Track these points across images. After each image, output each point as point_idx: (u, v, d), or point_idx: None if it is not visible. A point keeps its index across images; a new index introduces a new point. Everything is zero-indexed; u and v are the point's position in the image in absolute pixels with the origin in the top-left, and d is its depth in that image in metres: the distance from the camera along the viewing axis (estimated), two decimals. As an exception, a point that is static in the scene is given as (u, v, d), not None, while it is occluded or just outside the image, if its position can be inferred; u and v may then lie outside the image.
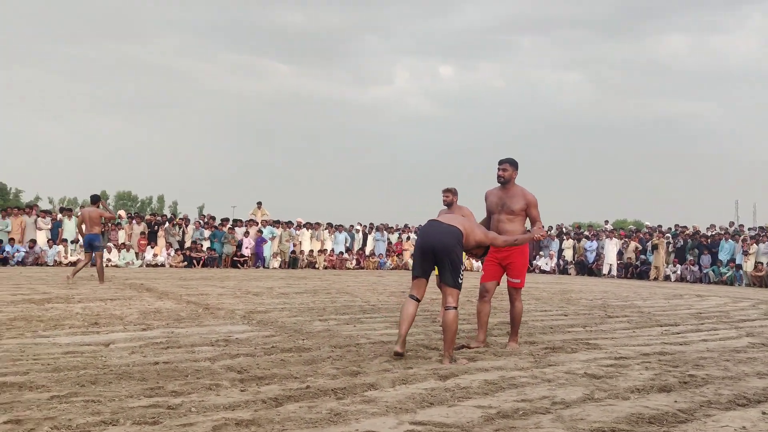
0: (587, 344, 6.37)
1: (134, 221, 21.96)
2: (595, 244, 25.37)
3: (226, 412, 3.44)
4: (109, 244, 19.64)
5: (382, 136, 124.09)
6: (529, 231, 6.31)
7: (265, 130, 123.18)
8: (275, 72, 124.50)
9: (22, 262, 18.59)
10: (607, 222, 30.66)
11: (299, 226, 24.39)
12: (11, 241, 19.03)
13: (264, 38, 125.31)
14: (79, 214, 21.05)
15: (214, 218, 23.70)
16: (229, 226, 23.04)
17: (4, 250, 18.64)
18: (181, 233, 22.31)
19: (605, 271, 24.30)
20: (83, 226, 12.67)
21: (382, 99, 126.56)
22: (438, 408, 3.74)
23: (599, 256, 24.93)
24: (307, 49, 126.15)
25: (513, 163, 6.16)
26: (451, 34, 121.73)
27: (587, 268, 24.99)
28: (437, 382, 4.41)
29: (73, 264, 18.80)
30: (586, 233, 27.19)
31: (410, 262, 24.22)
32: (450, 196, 7.59)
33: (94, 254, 12.72)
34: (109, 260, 18.99)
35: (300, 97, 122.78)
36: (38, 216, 20.61)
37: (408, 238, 25.89)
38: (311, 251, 23.74)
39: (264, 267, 22.39)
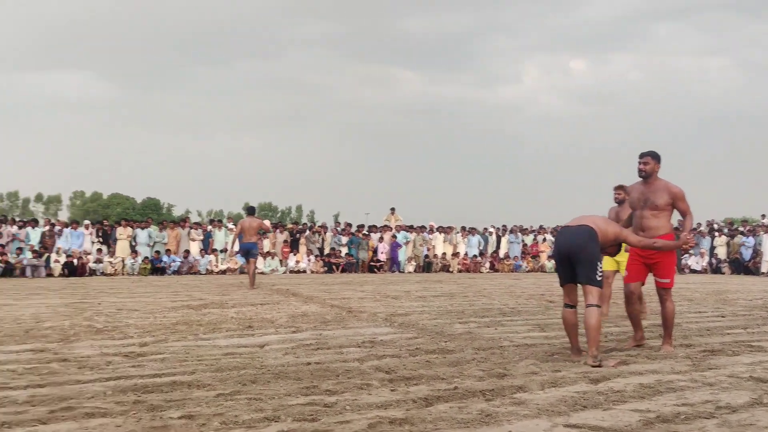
0: (750, 346, 5.94)
1: (278, 230, 23.03)
2: (752, 240, 23.50)
3: (379, 411, 3.54)
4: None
5: (513, 135, 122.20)
6: (677, 229, 6.00)
7: (395, 136, 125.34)
8: (403, 79, 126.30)
9: (177, 271, 20.01)
10: (764, 216, 28.33)
11: (432, 230, 24.52)
12: (168, 252, 20.57)
13: (390, 47, 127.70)
14: (229, 225, 22.50)
15: (350, 225, 24.35)
16: (364, 232, 23.59)
17: (162, 261, 20.18)
18: (320, 240, 23.12)
19: (764, 269, 22.44)
20: (240, 235, 13.74)
21: (512, 99, 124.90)
22: (592, 411, 3.64)
23: (756, 253, 23.06)
24: (433, 54, 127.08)
25: (655, 156, 5.88)
26: (580, 27, 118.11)
27: (743, 266, 23.21)
28: (589, 385, 4.29)
29: (223, 272, 20.09)
30: (741, 229, 25.28)
31: (547, 264, 23.66)
32: (622, 194, 7.39)
33: (248, 261, 13.75)
34: (256, 267, 20.05)
35: (428, 102, 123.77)
36: (191, 228, 22.14)
37: (544, 240, 25.27)
38: (444, 254, 23.79)
39: (399, 271, 22.69)
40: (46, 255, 18.80)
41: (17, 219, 21.28)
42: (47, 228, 20.23)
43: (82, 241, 20.05)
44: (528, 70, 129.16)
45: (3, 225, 19.55)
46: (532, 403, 3.76)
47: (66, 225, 20.92)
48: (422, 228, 24.39)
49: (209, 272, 20.35)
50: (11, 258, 18.21)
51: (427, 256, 23.54)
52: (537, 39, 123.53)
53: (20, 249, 18.73)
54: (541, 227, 26.40)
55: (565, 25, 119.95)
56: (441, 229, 24.75)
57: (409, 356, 5.28)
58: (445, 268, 23.18)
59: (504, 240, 25.49)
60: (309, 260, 21.98)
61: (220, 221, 24.35)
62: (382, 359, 5.11)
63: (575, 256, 5.15)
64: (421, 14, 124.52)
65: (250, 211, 14.91)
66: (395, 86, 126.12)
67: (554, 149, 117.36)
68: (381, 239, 23.28)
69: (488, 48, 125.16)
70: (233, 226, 22.11)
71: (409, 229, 24.15)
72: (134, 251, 20.23)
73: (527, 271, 23.67)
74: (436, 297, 11.40)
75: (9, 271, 17.80)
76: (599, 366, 4.87)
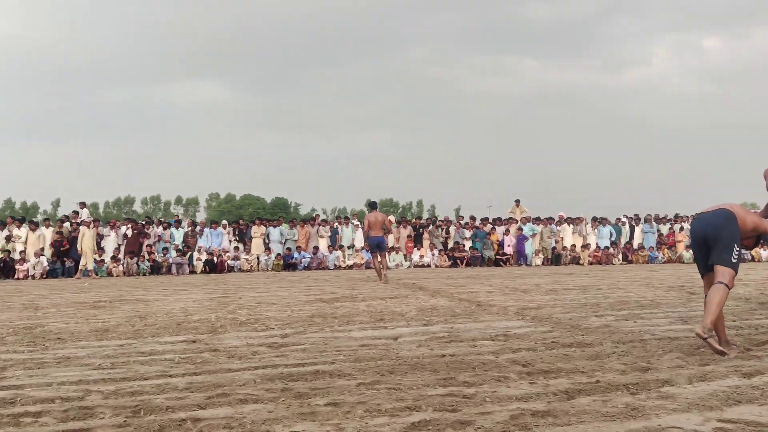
0: None
1: (401, 225, 23.32)
2: None
3: (519, 403, 3.52)
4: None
5: (644, 120, 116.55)
6: None
7: (516, 127, 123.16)
8: (524, 68, 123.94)
9: (307, 267, 20.78)
10: None
11: (560, 222, 23.88)
12: (298, 248, 21.39)
13: (509, 36, 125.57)
14: (354, 222, 23.07)
15: (474, 218, 24.22)
16: (489, 226, 23.38)
17: (293, 257, 21.01)
18: (443, 235, 23.16)
19: None
20: (369, 230, 14.31)
21: (640, 82, 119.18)
22: (747, 406, 3.43)
23: None
24: (555, 40, 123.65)
25: None
26: (714, 3, 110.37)
27: None
28: (741, 379, 4.05)
29: (350, 267, 20.64)
30: None
31: (685, 254, 22.41)
32: None
33: (379, 254, 14.18)
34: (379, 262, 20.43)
35: (551, 89, 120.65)
36: (320, 225, 22.89)
37: (681, 229, 23.96)
38: (573, 246, 23.11)
39: (526, 264, 22.32)
40: (189, 253, 20.12)
41: (162, 221, 22.89)
42: (189, 228, 21.63)
43: (221, 240, 21.30)
44: (657, 51, 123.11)
45: (150, 226, 21.12)
46: (680, 397, 3.60)
47: (206, 225, 22.28)
48: (550, 219, 23.84)
49: (337, 267, 20.96)
50: (158, 257, 19.64)
51: (555, 249, 22.98)
52: (666, 19, 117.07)
53: (166, 249, 20.16)
54: (677, 215, 25.06)
55: (697, 2, 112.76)
56: (570, 221, 24.07)
57: (546, 349, 5.19)
58: (575, 261, 22.55)
59: (638, 230, 24.42)
60: (433, 254, 22.09)
61: (346, 218, 24.99)
62: (518, 352, 5.07)
63: (712, 238, 4.93)
64: (540, 0, 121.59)
65: (373, 205, 15.31)
66: (516, 75, 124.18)
67: (688, 132, 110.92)
68: (507, 232, 22.99)
69: (614, 31, 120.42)
70: (358, 223, 22.63)
71: (536, 221, 23.67)
72: (268, 248, 21.21)
73: (663, 262, 22.56)
74: (568, 290, 11.12)
75: (156, 269, 19.23)
76: (706, 339, 4.61)
